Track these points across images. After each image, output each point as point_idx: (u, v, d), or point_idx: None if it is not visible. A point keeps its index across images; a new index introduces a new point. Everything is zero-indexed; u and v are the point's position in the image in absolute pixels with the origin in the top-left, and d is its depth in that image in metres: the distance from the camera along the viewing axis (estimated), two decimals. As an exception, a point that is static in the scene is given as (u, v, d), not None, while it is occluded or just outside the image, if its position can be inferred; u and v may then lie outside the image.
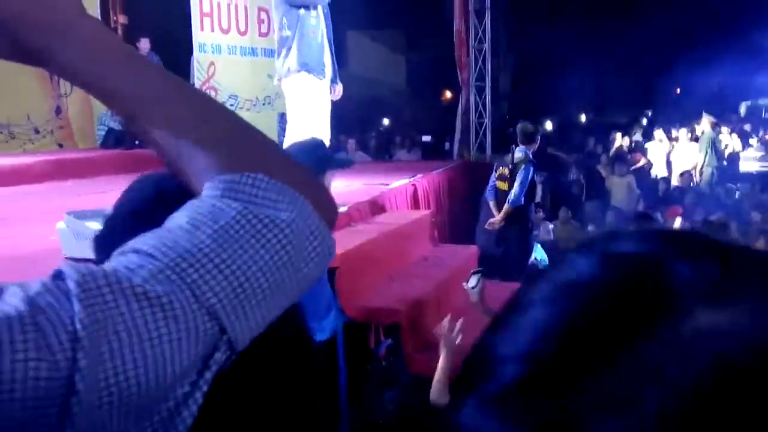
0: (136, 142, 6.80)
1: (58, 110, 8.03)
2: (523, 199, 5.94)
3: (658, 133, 11.88)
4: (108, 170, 6.13)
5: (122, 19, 11.90)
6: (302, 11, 4.10)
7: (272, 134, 8.50)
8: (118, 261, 0.48)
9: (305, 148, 2.86)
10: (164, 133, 0.57)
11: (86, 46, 0.55)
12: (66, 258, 2.40)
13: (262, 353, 0.64)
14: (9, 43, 0.53)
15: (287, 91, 4.28)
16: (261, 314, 0.51)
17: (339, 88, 4.51)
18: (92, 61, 0.55)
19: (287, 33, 4.12)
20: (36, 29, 0.53)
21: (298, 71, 4.14)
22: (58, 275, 0.45)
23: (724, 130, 12.16)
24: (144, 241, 0.50)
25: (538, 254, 7.33)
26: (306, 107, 4.20)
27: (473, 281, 3.23)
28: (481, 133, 10.02)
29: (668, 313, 0.30)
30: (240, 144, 0.59)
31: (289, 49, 4.13)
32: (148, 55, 8.47)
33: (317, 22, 4.18)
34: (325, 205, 0.59)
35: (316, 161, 2.79)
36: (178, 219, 0.52)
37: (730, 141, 12.05)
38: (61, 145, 7.98)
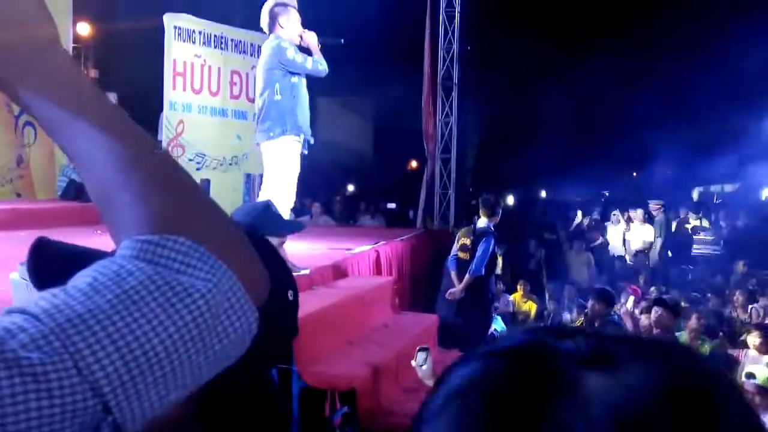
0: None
1: (20, 159, 7.92)
2: (483, 270, 6.01)
3: (615, 214, 12.24)
4: (66, 222, 6.01)
5: (93, 73, 11.97)
6: (295, 79, 4.27)
7: (238, 195, 8.50)
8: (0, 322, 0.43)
9: (255, 210, 2.89)
10: (99, 175, 0.53)
11: (49, 80, 0.53)
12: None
13: (225, 402, 0.61)
14: None
15: (271, 153, 4.31)
16: (157, 394, 0.45)
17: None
18: (51, 96, 0.53)
19: (278, 97, 4.23)
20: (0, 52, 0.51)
21: (296, 134, 4.26)
22: None
23: (685, 213, 12.59)
24: (35, 301, 0.45)
25: (498, 326, 7.35)
26: (286, 169, 4.29)
27: (420, 359, 3.20)
28: (444, 203, 10.19)
29: (562, 382, 0.36)
30: (171, 200, 0.54)
31: (283, 113, 4.23)
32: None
33: (306, 89, 4.39)
34: (255, 277, 0.53)
35: (265, 223, 2.81)
36: (80, 279, 0.47)
37: (695, 221, 12.39)
38: (19, 195, 7.82)
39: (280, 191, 4.21)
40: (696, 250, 11.41)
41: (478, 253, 5.96)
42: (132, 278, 0.46)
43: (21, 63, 0.52)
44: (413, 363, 3.21)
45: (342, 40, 4.53)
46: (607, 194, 20.68)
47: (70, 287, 0.46)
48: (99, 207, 0.54)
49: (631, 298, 6.73)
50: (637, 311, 5.97)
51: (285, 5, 4.36)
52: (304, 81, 4.36)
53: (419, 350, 3.26)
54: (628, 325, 5.65)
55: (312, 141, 4.46)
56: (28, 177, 8.05)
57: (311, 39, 4.37)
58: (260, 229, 2.77)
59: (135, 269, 0.47)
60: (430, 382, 3.16)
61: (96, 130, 0.53)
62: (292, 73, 4.26)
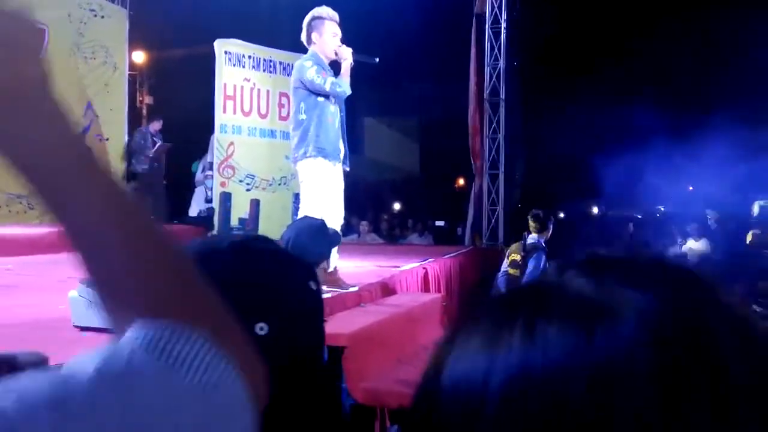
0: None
1: (79, 183, 8.22)
2: None
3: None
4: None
5: (147, 99, 12.39)
6: (321, 98, 4.12)
7: (287, 214, 8.60)
8: None
9: (315, 230, 2.89)
10: (97, 249, 0.50)
11: (40, 132, 0.49)
12: (75, 326, 2.39)
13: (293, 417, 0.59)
14: None
15: (301, 174, 4.25)
16: None
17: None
18: (42, 158, 0.49)
19: (303, 117, 4.13)
20: None
21: (315, 156, 4.11)
22: None
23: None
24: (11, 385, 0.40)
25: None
26: (319, 190, 4.16)
27: None
28: (493, 220, 10.09)
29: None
30: (174, 284, 0.51)
31: (306, 132, 4.11)
32: (157, 135, 8.77)
33: (335, 109, 4.21)
34: (252, 366, 0.50)
35: (325, 243, 2.81)
36: (81, 364, 0.43)
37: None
38: (78, 218, 8.10)
39: (316, 211, 4.02)
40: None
41: (529, 269, 5.86)
42: (136, 375, 0.43)
43: (9, 110, 0.47)
44: None
45: (377, 59, 4.29)
46: (662, 209, 20.12)
47: (67, 371, 0.43)
48: (96, 281, 0.51)
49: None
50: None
51: (321, 19, 4.18)
52: (332, 101, 4.16)
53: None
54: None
55: (340, 164, 4.25)
56: (87, 200, 8.34)
57: (345, 56, 4.17)
58: (309, 247, 2.79)
59: (141, 364, 0.44)
60: None
61: (94, 200, 0.49)
62: (316, 93, 4.10)
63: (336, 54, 4.19)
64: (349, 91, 4.19)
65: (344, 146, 4.35)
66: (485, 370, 0.35)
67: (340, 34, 4.22)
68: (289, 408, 0.56)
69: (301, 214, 4.23)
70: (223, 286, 0.59)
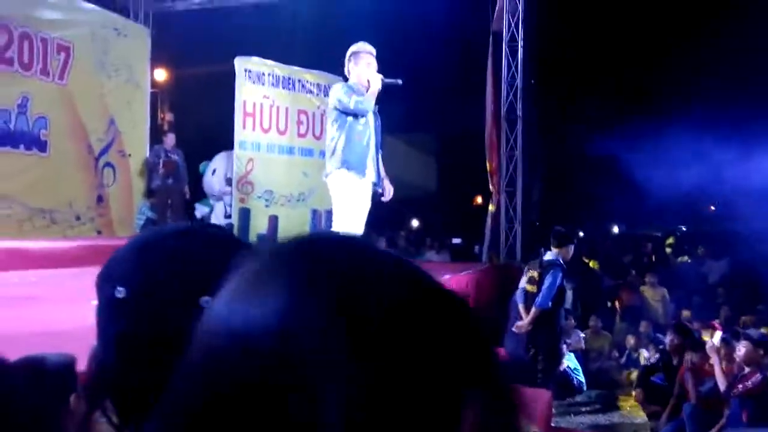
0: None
1: (100, 199, 8.32)
2: (550, 303, 5.84)
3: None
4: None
5: (168, 116, 12.56)
6: (350, 118, 4.57)
7: (305, 229, 8.64)
8: None
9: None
10: None
11: None
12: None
13: None
14: None
15: (331, 187, 4.64)
16: None
17: (389, 189, 4.87)
18: None
19: (334, 134, 4.59)
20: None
21: (339, 168, 4.53)
22: None
23: None
24: None
25: (571, 362, 7.12)
26: (347, 203, 4.53)
27: None
28: (511, 237, 10.04)
29: None
30: None
31: (335, 148, 4.56)
32: (173, 151, 8.86)
33: (364, 128, 4.62)
34: None
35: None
36: None
37: None
38: (99, 232, 8.20)
39: (345, 225, 4.42)
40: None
41: (545, 286, 5.82)
42: None
43: None
44: None
45: (400, 81, 4.73)
46: (684, 228, 19.89)
47: None
48: None
49: (718, 333, 6.40)
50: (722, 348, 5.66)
51: (357, 52, 4.71)
52: (361, 121, 4.60)
53: None
54: (715, 361, 5.35)
55: (363, 177, 4.60)
56: (108, 215, 8.44)
57: (374, 82, 4.62)
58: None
59: None
60: None
61: None
62: (345, 112, 4.56)
63: (368, 81, 4.66)
64: (370, 109, 4.63)
65: (375, 167, 4.72)
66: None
67: (374, 65, 4.70)
68: None
69: (333, 226, 4.67)
70: (168, 265, 0.66)
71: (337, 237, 0.46)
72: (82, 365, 1.82)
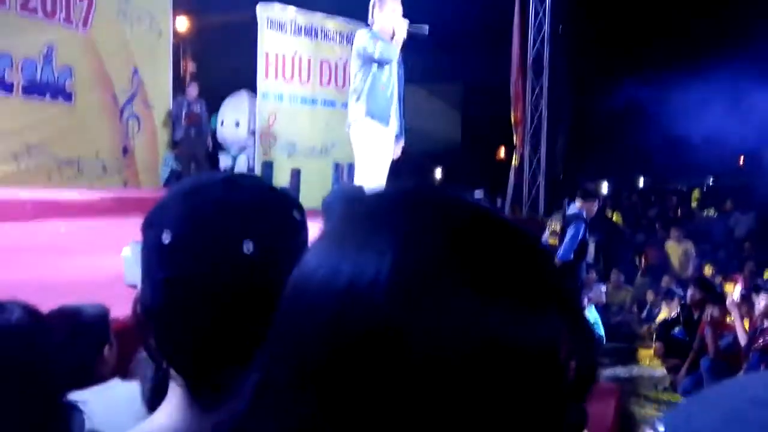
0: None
1: (126, 150, 8.40)
2: (572, 255, 5.81)
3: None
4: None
5: (191, 66, 12.51)
6: (375, 67, 4.45)
7: (327, 182, 8.66)
8: None
9: (347, 194, 2.95)
10: None
11: None
12: (128, 285, 2.48)
13: None
14: None
15: (354, 137, 4.57)
16: None
17: (400, 146, 4.75)
18: None
19: (358, 84, 4.48)
20: None
21: (363, 117, 4.45)
22: None
23: None
24: None
25: (591, 315, 7.14)
26: (370, 152, 4.46)
27: None
28: (534, 191, 9.96)
29: None
30: None
31: (359, 98, 4.47)
32: (196, 102, 8.84)
33: (388, 78, 4.51)
34: None
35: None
36: None
37: None
38: (125, 183, 8.31)
39: (369, 175, 4.38)
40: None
41: (567, 238, 5.78)
42: None
43: None
44: None
45: (427, 28, 4.58)
46: (711, 182, 19.56)
47: None
48: None
49: (738, 287, 6.36)
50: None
51: None
52: (386, 69, 4.48)
53: None
54: (736, 316, 5.34)
55: (387, 126, 4.53)
56: (134, 166, 8.54)
57: (399, 29, 4.48)
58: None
59: None
60: None
61: None
62: (371, 63, 4.44)
63: (393, 28, 4.51)
64: (395, 57, 4.51)
65: (398, 119, 4.64)
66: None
67: (399, 10, 4.53)
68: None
69: (356, 176, 4.58)
70: (214, 211, 0.68)
71: (438, 188, 0.48)
72: (113, 314, 1.88)
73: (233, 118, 9.78)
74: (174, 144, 8.98)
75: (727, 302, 5.45)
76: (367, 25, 4.67)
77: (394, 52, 4.47)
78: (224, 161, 9.91)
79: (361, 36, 4.50)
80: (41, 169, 7.22)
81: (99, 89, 7.92)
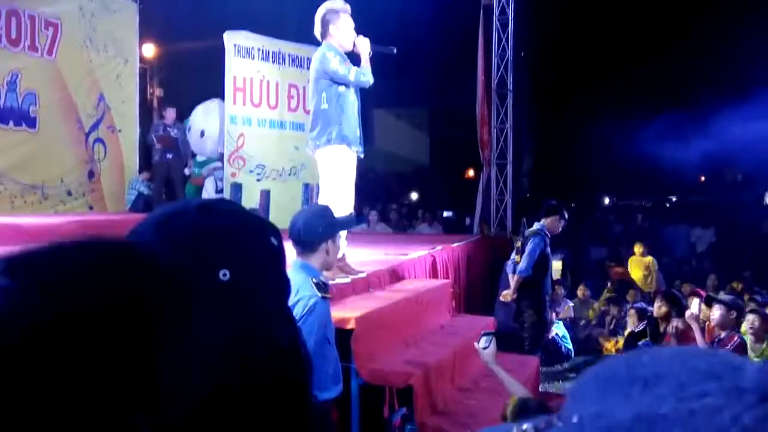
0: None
1: (91, 174, 8.33)
2: (531, 270, 5.87)
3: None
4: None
5: (158, 92, 12.49)
6: (342, 88, 4.21)
7: (297, 203, 8.69)
8: None
9: (317, 214, 2.98)
10: None
11: None
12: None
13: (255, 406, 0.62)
14: None
15: (322, 161, 4.31)
16: None
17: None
18: None
19: (325, 106, 4.21)
20: None
21: (340, 143, 4.20)
22: None
23: None
24: None
25: (560, 331, 7.25)
26: (339, 177, 4.24)
27: (484, 342, 3.23)
28: (501, 210, 10.12)
29: None
30: None
31: (329, 121, 4.20)
32: (173, 125, 8.83)
33: (354, 99, 4.30)
34: None
35: (327, 225, 2.89)
36: None
37: None
38: (91, 207, 8.22)
39: (336, 198, 4.17)
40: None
41: (525, 253, 5.88)
42: None
43: None
44: (476, 345, 3.23)
45: (395, 49, 4.37)
46: (674, 199, 20.04)
47: None
48: None
49: (696, 301, 6.52)
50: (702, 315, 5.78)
51: (336, 12, 4.23)
52: (352, 91, 4.27)
53: (483, 334, 3.28)
54: (695, 328, 5.47)
55: (360, 152, 4.35)
56: (99, 191, 8.46)
57: (363, 46, 4.25)
58: (318, 228, 2.87)
59: None
60: (492, 366, 3.17)
61: None
62: (339, 83, 4.19)
63: (354, 45, 4.26)
64: (372, 80, 4.27)
65: (360, 134, 4.42)
66: None
67: (353, 25, 4.28)
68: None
69: (321, 200, 4.34)
70: (189, 238, 0.66)
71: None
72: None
73: (199, 127, 9.66)
74: (149, 168, 8.92)
75: (686, 315, 5.59)
76: (319, 43, 4.33)
77: (369, 74, 4.22)
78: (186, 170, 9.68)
79: (327, 57, 4.16)
80: (3, 195, 7.11)
81: (64, 115, 7.87)
